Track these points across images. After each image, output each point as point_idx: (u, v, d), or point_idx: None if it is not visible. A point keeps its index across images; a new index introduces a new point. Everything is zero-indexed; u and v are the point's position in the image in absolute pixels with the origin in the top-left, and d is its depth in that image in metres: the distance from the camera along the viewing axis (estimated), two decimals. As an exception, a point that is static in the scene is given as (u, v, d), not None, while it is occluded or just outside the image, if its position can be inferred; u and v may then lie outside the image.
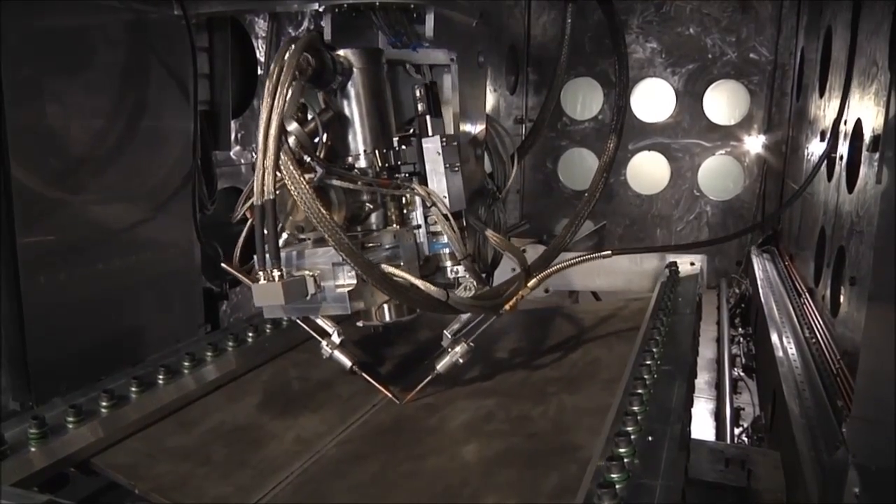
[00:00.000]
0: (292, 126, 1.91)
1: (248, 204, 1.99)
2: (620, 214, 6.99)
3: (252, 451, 2.09)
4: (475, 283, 2.29)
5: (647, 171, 6.87)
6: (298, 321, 2.37)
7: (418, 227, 2.28)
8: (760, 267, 5.51)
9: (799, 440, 2.74)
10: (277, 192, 1.85)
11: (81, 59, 2.43)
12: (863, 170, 3.33)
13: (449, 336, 2.34)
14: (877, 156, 3.03)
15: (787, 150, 6.26)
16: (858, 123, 3.57)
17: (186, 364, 2.31)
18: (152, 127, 2.72)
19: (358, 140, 2.18)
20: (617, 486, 1.46)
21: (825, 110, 4.59)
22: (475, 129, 2.58)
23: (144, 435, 2.06)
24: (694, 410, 2.31)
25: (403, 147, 2.22)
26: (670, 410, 1.85)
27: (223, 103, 3.19)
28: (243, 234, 2.18)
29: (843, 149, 3.88)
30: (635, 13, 6.60)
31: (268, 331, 2.66)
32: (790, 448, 2.77)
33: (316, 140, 2.13)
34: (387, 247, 2.15)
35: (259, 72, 3.46)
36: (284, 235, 2.12)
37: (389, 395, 2.38)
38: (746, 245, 6.30)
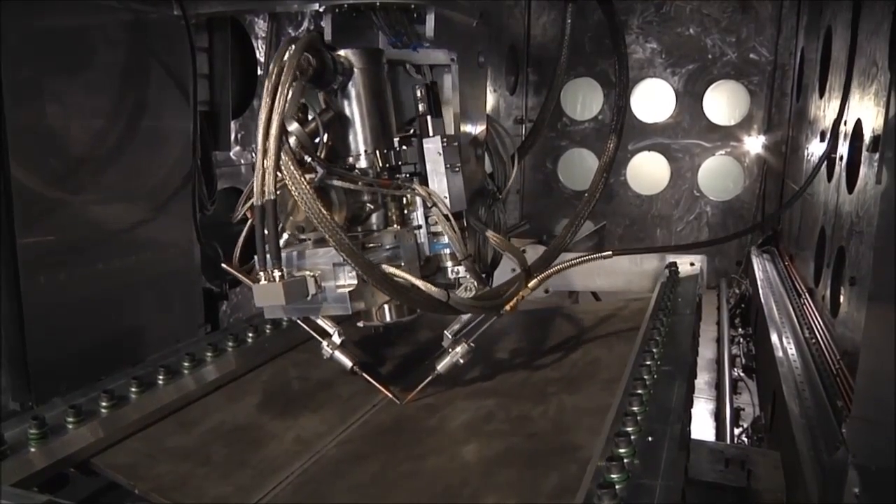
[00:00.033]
0: (293, 126, 1.91)
1: (248, 204, 1.98)
2: (620, 215, 6.99)
3: (252, 452, 2.08)
4: (476, 284, 2.30)
5: (647, 171, 6.87)
6: (299, 321, 2.37)
7: (419, 227, 2.28)
8: (760, 267, 5.51)
9: (799, 440, 2.74)
10: (278, 193, 1.85)
11: (81, 60, 2.43)
12: (863, 170, 3.34)
13: (449, 336, 2.34)
14: (877, 156, 3.04)
15: (786, 151, 6.27)
16: (858, 124, 3.57)
17: (186, 364, 2.30)
18: (152, 127, 2.72)
19: (358, 140, 2.17)
20: (617, 487, 1.46)
21: (825, 110, 4.59)
22: (475, 129, 2.58)
23: (144, 435, 2.06)
24: (694, 411, 2.31)
25: (404, 147, 2.21)
26: (670, 411, 1.84)
27: (223, 103, 3.19)
28: (243, 234, 2.18)
29: (843, 149, 3.88)
30: (635, 13, 6.61)
31: (268, 331, 2.66)
32: (790, 448, 2.77)
33: (316, 140, 2.13)
34: (387, 247, 2.15)
35: (259, 72, 3.46)
36: (285, 236, 2.12)
37: (390, 396, 2.38)
38: (746, 245, 6.31)
